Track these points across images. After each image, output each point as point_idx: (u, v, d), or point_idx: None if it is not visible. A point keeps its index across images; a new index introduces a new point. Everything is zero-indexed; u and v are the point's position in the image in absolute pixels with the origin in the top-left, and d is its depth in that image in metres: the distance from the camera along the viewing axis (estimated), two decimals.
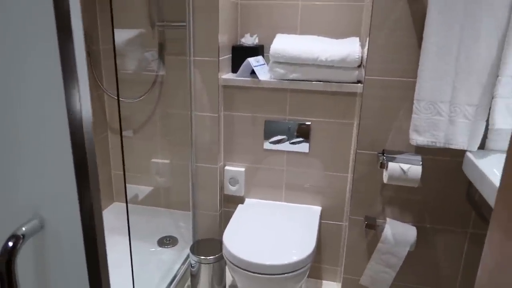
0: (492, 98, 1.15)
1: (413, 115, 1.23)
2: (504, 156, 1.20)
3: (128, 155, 2.17)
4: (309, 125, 1.80)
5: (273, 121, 1.83)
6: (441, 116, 1.21)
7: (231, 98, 1.84)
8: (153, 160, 2.11)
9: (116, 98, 2.06)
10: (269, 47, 1.75)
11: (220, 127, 1.84)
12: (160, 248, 2.00)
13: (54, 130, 0.42)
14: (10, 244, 0.44)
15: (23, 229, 0.46)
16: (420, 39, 1.23)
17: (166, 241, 2.04)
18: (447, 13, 1.13)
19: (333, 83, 1.71)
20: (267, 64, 1.83)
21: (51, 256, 0.48)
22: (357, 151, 1.39)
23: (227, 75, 1.84)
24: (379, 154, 1.34)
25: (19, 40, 0.44)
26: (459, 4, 1.12)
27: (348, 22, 1.86)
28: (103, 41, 2.04)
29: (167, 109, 2.00)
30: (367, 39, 1.56)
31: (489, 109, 1.17)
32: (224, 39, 1.77)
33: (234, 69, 1.90)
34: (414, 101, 1.22)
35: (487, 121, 1.18)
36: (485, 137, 1.23)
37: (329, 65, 1.68)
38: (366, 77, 1.31)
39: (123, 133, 2.07)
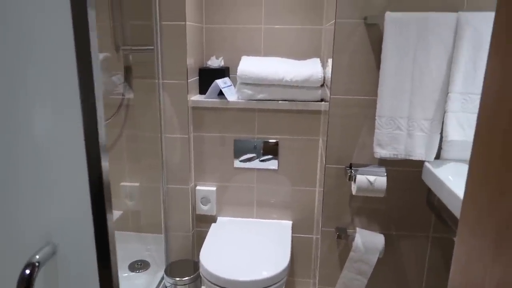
0: (444, 112, 1.27)
1: (376, 131, 1.34)
2: (458, 164, 1.32)
3: None
4: (277, 142, 1.87)
5: (242, 140, 1.89)
6: (400, 131, 1.32)
7: (200, 119, 1.88)
8: (122, 183, 2.09)
9: None
10: (235, 69, 1.82)
11: (191, 148, 1.87)
12: (132, 273, 1.96)
13: (70, 156, 0.45)
14: (27, 272, 0.46)
15: (37, 256, 0.48)
16: (378, 61, 1.34)
17: (138, 266, 2.01)
18: (401, 38, 1.25)
19: (299, 102, 1.80)
20: (234, 85, 1.89)
21: (63, 282, 0.50)
22: (326, 166, 1.47)
23: (195, 97, 1.88)
24: (347, 168, 1.43)
25: (37, 64, 0.46)
26: (411, 30, 1.24)
27: (308, 44, 1.98)
28: None
29: (135, 131, 2.00)
30: (329, 60, 1.67)
31: (442, 123, 1.29)
32: (191, 61, 1.81)
33: (202, 91, 1.94)
34: (376, 118, 1.33)
35: (441, 133, 1.30)
36: (440, 148, 1.35)
37: (294, 85, 1.77)
38: (331, 96, 1.40)
39: None
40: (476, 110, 1.28)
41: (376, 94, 1.36)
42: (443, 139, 1.30)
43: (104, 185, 0.45)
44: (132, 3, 1.85)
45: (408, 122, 1.31)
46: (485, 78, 0.42)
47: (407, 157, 1.34)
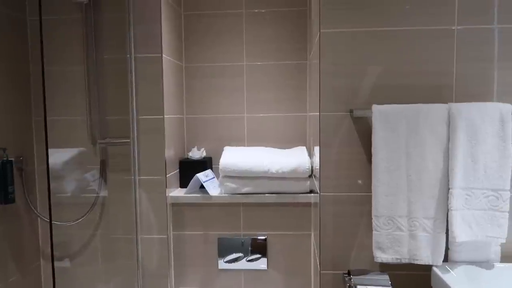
0: (448, 210, 1.14)
1: (374, 232, 1.19)
2: (469, 267, 1.16)
3: (64, 286, 1.89)
4: (265, 239, 1.70)
5: (227, 238, 1.71)
6: (401, 231, 1.18)
7: (180, 216, 1.72)
8: None
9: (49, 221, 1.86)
10: (218, 159, 1.71)
11: (170, 249, 1.69)
12: None
13: None
14: None
15: None
16: (368, 154, 1.24)
17: None
18: (391, 131, 1.16)
19: (286, 194, 1.67)
20: (217, 177, 1.77)
21: None
22: (321, 272, 1.30)
23: (175, 192, 1.74)
24: (345, 275, 1.26)
25: None
26: (401, 122, 1.16)
27: (293, 132, 1.90)
28: (38, 161, 1.90)
29: (109, 232, 1.82)
30: (315, 149, 1.58)
31: (447, 221, 1.16)
32: (170, 154, 1.70)
33: (183, 184, 1.81)
34: (373, 217, 1.19)
35: (447, 233, 1.16)
36: (447, 248, 1.20)
37: (280, 177, 1.66)
38: (321, 193, 1.28)
39: (57, 263, 1.83)
40: (482, 206, 1.16)
41: (369, 190, 1.24)
42: (451, 240, 1.16)
43: None
44: (110, 96, 1.78)
45: (409, 221, 1.18)
46: None
47: (412, 261, 1.18)
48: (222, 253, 1.72)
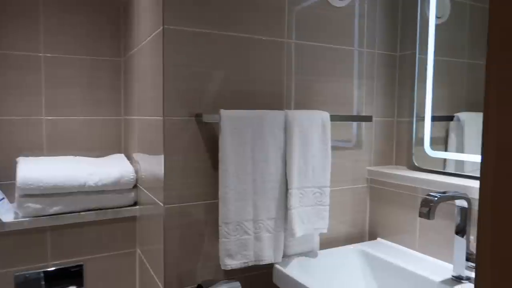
0: (287, 210, 1.23)
1: (223, 240, 1.17)
2: (302, 258, 1.29)
3: None
4: (81, 266, 1.43)
5: (29, 274, 1.35)
6: (248, 235, 1.20)
7: None
8: None
9: None
10: (9, 175, 1.32)
11: None
12: None
13: None
14: None
15: None
16: (215, 160, 1.21)
17: None
18: (238, 136, 1.17)
19: (108, 210, 1.45)
20: (10, 199, 1.37)
21: None
22: None
23: None
24: None
25: None
26: (247, 127, 1.18)
27: (106, 137, 1.68)
28: None
29: None
30: (137, 156, 1.43)
31: (285, 220, 1.25)
32: None
33: None
34: (222, 225, 1.16)
35: (285, 231, 1.25)
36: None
37: (100, 190, 1.42)
38: (165, 206, 1.16)
39: None
40: (311, 202, 1.30)
41: (216, 197, 1.21)
42: (289, 237, 1.25)
43: None
44: None
45: (254, 224, 1.21)
46: None
47: (257, 263, 1.21)
48: None
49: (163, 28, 1.12)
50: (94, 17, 1.62)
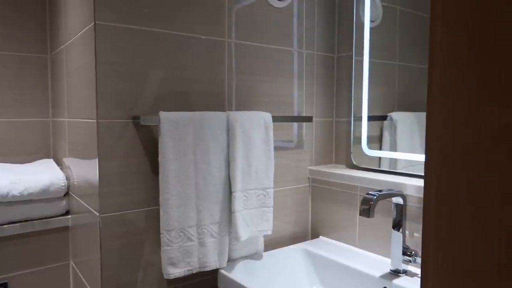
0: (231, 213, 1.21)
1: (165, 248, 1.11)
2: (247, 262, 1.27)
3: None
4: (5, 284, 1.29)
5: None
6: (191, 241, 1.16)
7: None
8: None
9: None
10: None
11: None
12: None
13: None
14: None
15: None
16: (154, 165, 1.15)
17: None
18: (179, 139, 1.12)
19: (35, 221, 1.32)
20: None
21: None
22: None
23: None
24: None
25: None
26: (188, 130, 1.13)
27: (32, 141, 1.54)
28: None
29: None
30: (67, 161, 1.33)
31: (229, 224, 1.22)
32: None
33: None
34: (164, 232, 1.11)
35: (229, 235, 1.23)
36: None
37: (26, 200, 1.30)
38: (101, 215, 1.08)
39: None
40: (255, 205, 1.29)
41: (157, 204, 1.15)
42: (235, 241, 1.23)
43: None
44: None
45: (198, 230, 1.17)
46: None
47: (202, 269, 1.18)
48: None
49: (94, 24, 1.04)
50: (16, 10, 1.48)
